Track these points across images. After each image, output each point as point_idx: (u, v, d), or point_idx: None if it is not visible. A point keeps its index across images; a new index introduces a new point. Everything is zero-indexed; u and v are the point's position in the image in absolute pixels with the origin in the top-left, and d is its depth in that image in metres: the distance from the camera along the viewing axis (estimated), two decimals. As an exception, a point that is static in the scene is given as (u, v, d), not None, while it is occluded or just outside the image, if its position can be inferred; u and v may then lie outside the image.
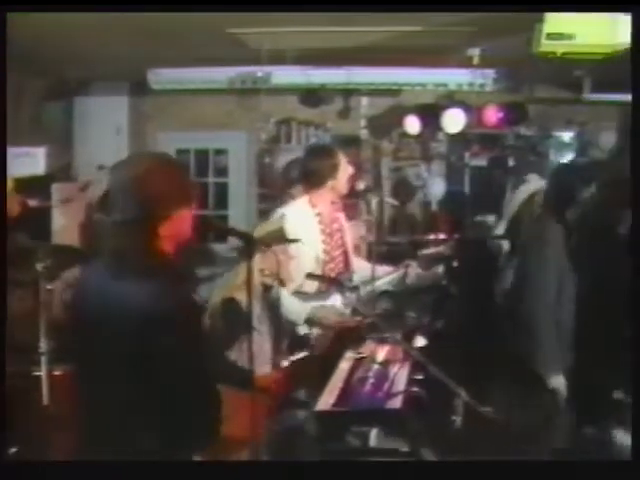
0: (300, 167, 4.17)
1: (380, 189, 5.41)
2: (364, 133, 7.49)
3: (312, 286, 3.71)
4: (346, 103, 7.55)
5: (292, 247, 3.41)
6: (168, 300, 2.04)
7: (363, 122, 7.51)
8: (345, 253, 4.05)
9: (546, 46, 4.02)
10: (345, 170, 3.94)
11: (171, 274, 2.14)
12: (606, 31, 3.92)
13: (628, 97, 6.39)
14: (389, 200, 4.18)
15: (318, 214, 3.94)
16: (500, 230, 5.86)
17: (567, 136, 7.21)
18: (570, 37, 3.96)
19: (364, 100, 7.51)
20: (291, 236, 3.42)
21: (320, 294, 3.63)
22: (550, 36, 3.97)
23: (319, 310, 3.63)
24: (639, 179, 2.88)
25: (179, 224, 2.19)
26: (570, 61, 4.31)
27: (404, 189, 7.13)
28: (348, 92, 7.36)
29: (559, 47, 4.02)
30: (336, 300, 3.61)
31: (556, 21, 3.97)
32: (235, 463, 2.50)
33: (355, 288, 3.51)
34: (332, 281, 3.48)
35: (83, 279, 2.30)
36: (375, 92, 7.28)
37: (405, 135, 7.20)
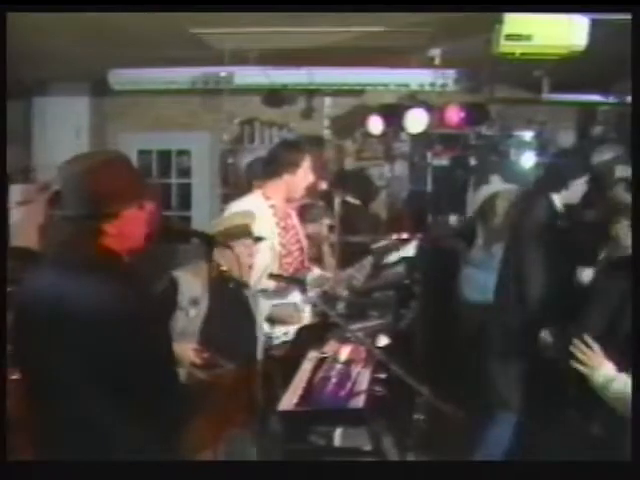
0: (265, 156, 4.20)
1: (343, 189, 5.44)
2: (327, 133, 7.50)
3: (271, 283, 3.69)
4: (309, 103, 7.55)
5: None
6: (112, 300, 2.02)
7: (326, 122, 7.52)
8: (302, 250, 4.05)
9: (505, 47, 4.07)
10: (306, 172, 3.94)
11: (119, 273, 2.12)
12: (563, 33, 3.99)
13: (585, 97, 6.56)
14: (351, 200, 4.18)
15: (272, 206, 3.94)
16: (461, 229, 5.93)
17: (528, 136, 7.28)
18: (528, 38, 4.02)
19: (327, 100, 7.52)
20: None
21: (280, 291, 3.63)
22: (509, 37, 4.03)
23: (279, 310, 3.64)
24: (639, 179, 2.90)
25: (128, 223, 2.16)
26: (529, 61, 4.37)
27: (367, 189, 7.15)
28: (311, 92, 7.36)
29: (517, 48, 4.08)
30: (296, 297, 3.61)
31: (515, 22, 4.02)
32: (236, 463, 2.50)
33: (317, 287, 3.52)
34: (293, 281, 3.48)
35: (32, 279, 2.25)
36: (338, 92, 7.30)
37: (368, 135, 7.21)
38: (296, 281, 3.41)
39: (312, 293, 3.25)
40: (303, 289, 3.17)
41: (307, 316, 3.56)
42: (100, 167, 2.14)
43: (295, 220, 4.13)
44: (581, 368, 2.84)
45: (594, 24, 4.00)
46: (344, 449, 2.98)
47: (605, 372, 2.82)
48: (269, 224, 3.87)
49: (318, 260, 4.48)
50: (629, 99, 6.38)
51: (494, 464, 2.75)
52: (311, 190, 4.06)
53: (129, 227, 2.17)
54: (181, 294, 3.25)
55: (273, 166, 3.98)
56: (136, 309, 2.07)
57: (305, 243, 4.12)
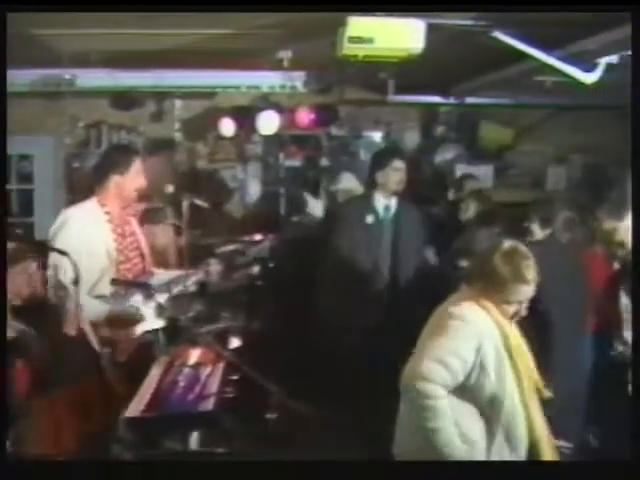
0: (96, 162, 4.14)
1: (194, 192, 5.37)
2: (178, 136, 7.39)
3: (108, 287, 3.60)
4: (159, 106, 7.40)
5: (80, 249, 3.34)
6: None
7: (177, 125, 7.41)
8: (142, 257, 3.99)
9: (348, 49, 4.13)
10: (137, 175, 3.91)
11: None
12: (401, 36, 4.11)
13: (427, 99, 6.84)
14: (199, 202, 4.15)
15: (107, 212, 3.87)
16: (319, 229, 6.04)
17: (377, 136, 7.54)
18: (370, 41, 4.10)
19: (178, 103, 7.41)
20: (75, 237, 3.37)
21: (119, 297, 3.54)
22: (352, 40, 4.10)
23: (116, 316, 3.54)
24: (639, 179, 3.00)
25: None
26: (372, 64, 4.48)
27: (220, 191, 7.12)
28: (161, 95, 7.23)
29: (360, 50, 4.15)
30: (135, 303, 3.54)
31: (357, 25, 4.10)
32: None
33: (166, 290, 3.47)
34: (139, 285, 3.40)
35: None
36: (189, 95, 7.21)
37: (220, 137, 7.18)
38: (141, 285, 3.34)
39: (159, 297, 3.19)
40: (149, 293, 3.12)
41: (148, 321, 3.49)
42: None
43: (135, 226, 4.08)
44: None
45: (431, 28, 4.15)
46: (198, 452, 2.95)
47: None
48: (104, 230, 3.81)
49: (165, 264, 4.40)
50: (468, 100, 6.75)
51: (491, 464, 2.74)
52: (157, 191, 3.99)
53: None
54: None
55: (102, 170, 3.93)
56: None
57: (147, 249, 4.07)
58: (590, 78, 4.48)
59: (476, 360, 2.81)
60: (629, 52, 4.24)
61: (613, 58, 4.38)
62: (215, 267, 3.99)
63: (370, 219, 4.69)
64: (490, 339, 2.85)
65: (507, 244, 3.00)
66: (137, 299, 3.38)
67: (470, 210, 5.13)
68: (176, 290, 3.58)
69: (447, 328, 2.85)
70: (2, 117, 3.24)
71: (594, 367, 4.36)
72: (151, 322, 3.41)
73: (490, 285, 2.91)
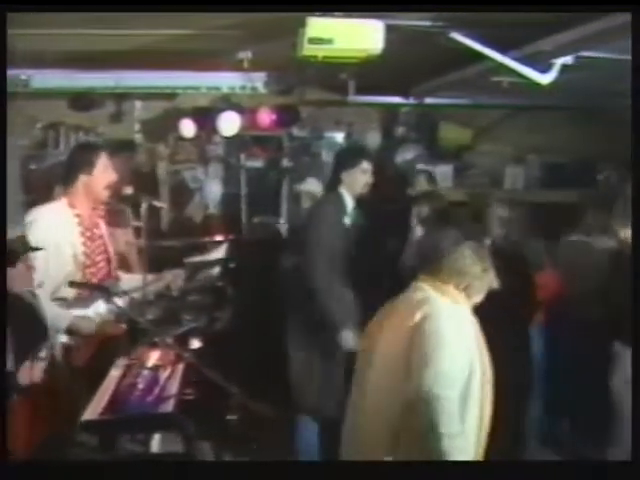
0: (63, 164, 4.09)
1: (154, 193, 5.34)
2: (138, 137, 7.33)
3: (72, 291, 3.56)
4: (119, 107, 7.32)
5: (46, 251, 3.29)
6: None
7: (137, 126, 7.35)
8: (108, 260, 3.96)
9: (308, 50, 4.15)
10: (105, 172, 3.86)
11: None
12: (360, 37, 4.13)
13: (386, 99, 6.90)
14: (157, 203, 4.13)
15: (77, 215, 3.83)
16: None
17: (339, 137, 7.57)
18: (329, 42, 4.12)
19: (138, 104, 7.35)
20: (43, 238, 3.33)
21: (81, 301, 3.51)
22: (311, 40, 4.11)
23: (79, 320, 3.51)
24: (639, 178, 3.03)
25: None
26: (332, 64, 4.50)
27: (181, 192, 7.09)
28: (120, 96, 7.16)
29: (319, 51, 4.17)
30: (98, 307, 3.52)
31: (317, 26, 4.11)
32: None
33: (124, 293, 3.45)
34: (97, 288, 3.37)
35: None
36: (149, 96, 7.15)
37: (181, 138, 7.14)
38: (100, 288, 3.31)
39: (119, 300, 3.16)
40: (108, 297, 3.09)
41: (110, 325, 3.46)
42: None
43: (103, 230, 4.04)
44: None
45: (390, 29, 4.17)
46: (160, 455, 2.94)
47: None
48: (73, 233, 3.76)
49: (128, 268, 4.38)
50: (427, 100, 6.81)
51: (489, 464, 2.71)
52: (116, 193, 3.95)
53: None
54: None
55: (70, 171, 3.89)
56: None
57: (112, 253, 4.03)
58: (545, 79, 4.55)
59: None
60: (584, 52, 4.34)
61: (568, 59, 4.45)
62: (179, 277, 3.97)
63: (344, 216, 4.64)
64: (473, 342, 2.88)
65: (471, 244, 3.07)
66: (98, 303, 3.36)
67: (423, 208, 5.15)
68: (138, 294, 3.56)
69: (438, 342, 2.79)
70: (2, 117, 3.21)
71: (545, 359, 4.43)
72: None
73: (455, 282, 2.97)
